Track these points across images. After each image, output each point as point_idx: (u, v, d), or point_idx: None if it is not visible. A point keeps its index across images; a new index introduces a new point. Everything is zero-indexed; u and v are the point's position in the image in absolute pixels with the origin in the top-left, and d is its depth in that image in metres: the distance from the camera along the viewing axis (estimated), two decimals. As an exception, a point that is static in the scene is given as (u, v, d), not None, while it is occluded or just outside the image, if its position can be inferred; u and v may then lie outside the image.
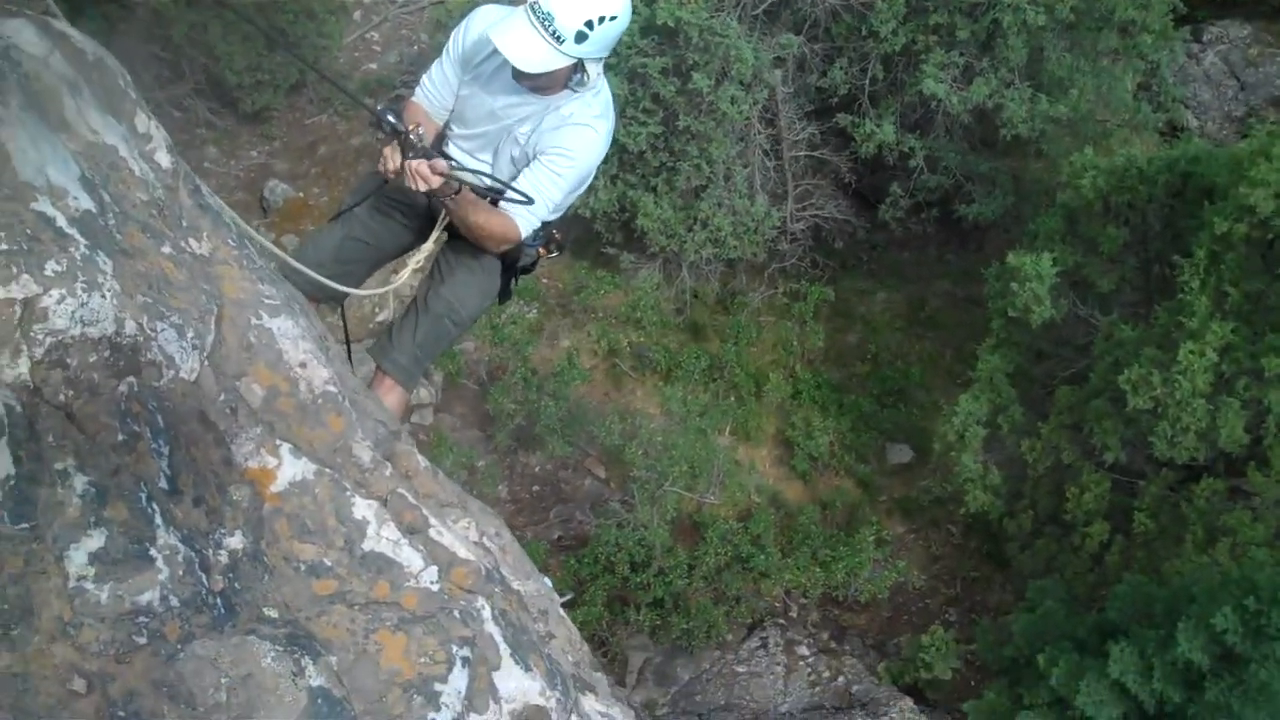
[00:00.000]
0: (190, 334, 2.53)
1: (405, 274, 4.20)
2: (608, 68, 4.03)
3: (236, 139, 13.32)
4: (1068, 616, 8.01)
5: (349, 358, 3.37)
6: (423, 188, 3.76)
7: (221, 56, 12.34)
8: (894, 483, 11.02)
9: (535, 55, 3.67)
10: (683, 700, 9.14)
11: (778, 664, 9.25)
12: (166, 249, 2.63)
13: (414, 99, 4.17)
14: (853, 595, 9.63)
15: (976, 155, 11.55)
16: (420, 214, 4.30)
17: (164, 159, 2.91)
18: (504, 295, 4.41)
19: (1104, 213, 9.02)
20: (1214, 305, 7.82)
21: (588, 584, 9.61)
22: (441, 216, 4.14)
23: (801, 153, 11.72)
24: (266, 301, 2.83)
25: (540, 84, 3.86)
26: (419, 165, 3.73)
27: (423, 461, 3.07)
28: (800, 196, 11.94)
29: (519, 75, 3.82)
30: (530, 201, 3.91)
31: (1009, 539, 9.65)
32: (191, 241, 2.81)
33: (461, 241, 4.20)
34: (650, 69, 10.17)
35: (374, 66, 14.04)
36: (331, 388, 2.83)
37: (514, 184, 3.93)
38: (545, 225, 4.17)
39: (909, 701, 8.80)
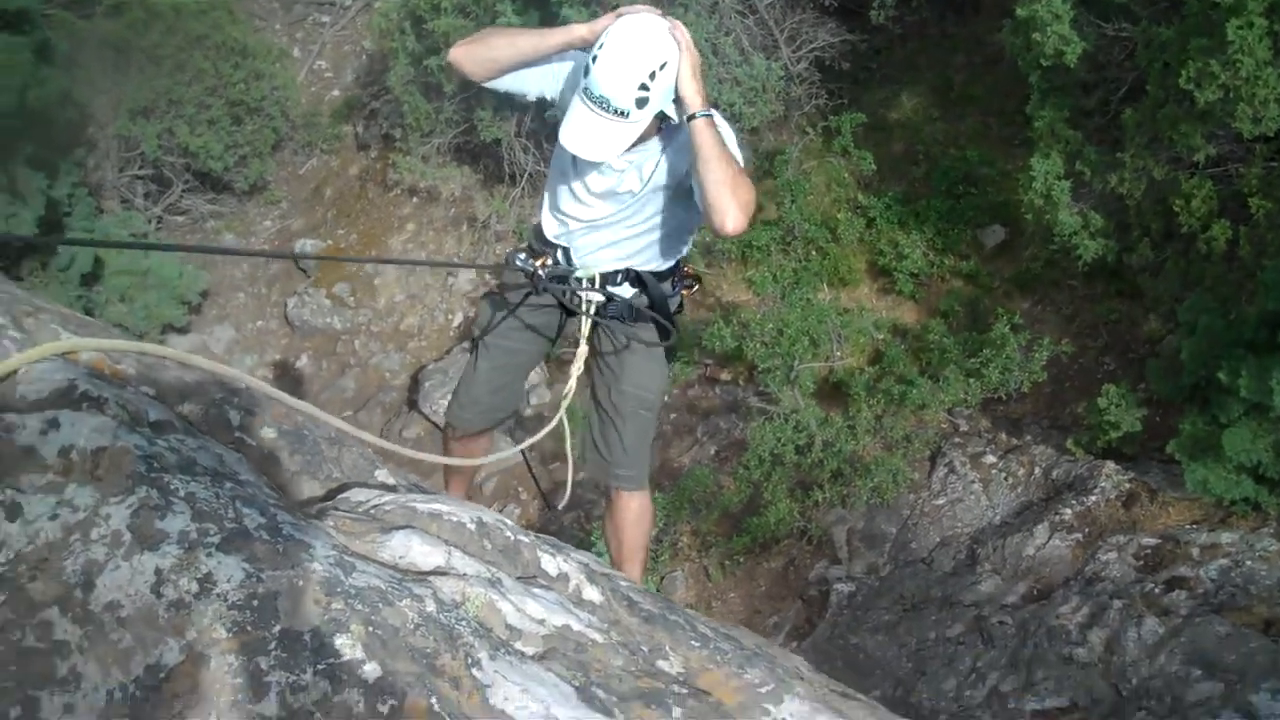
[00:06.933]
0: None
1: (570, 385, 4.18)
2: None
3: (246, 218, 13.30)
4: (1228, 324, 7.97)
5: (540, 495, 3.28)
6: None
7: (198, 151, 12.28)
8: (1000, 264, 10.94)
9: (611, 139, 3.44)
10: (900, 553, 9.20)
11: (972, 482, 9.28)
12: (676, 711, 2.17)
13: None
14: (1014, 389, 9.60)
15: (938, -77, 11.27)
16: (556, 315, 4.22)
17: (592, 593, 2.51)
18: (669, 354, 4.21)
19: (1080, -76, 8.78)
20: (1239, -28, 7.59)
21: (763, 484, 9.68)
22: (584, 320, 4.05)
23: (773, -4, 11.52)
24: (762, 690, 2.36)
25: (634, 148, 3.60)
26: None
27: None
28: (790, 39, 11.71)
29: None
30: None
31: (1136, 273, 9.57)
32: (664, 666, 2.37)
33: (608, 329, 4.07)
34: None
35: (336, 93, 13.90)
36: None
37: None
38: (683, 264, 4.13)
39: (1110, 464, 8.78)
